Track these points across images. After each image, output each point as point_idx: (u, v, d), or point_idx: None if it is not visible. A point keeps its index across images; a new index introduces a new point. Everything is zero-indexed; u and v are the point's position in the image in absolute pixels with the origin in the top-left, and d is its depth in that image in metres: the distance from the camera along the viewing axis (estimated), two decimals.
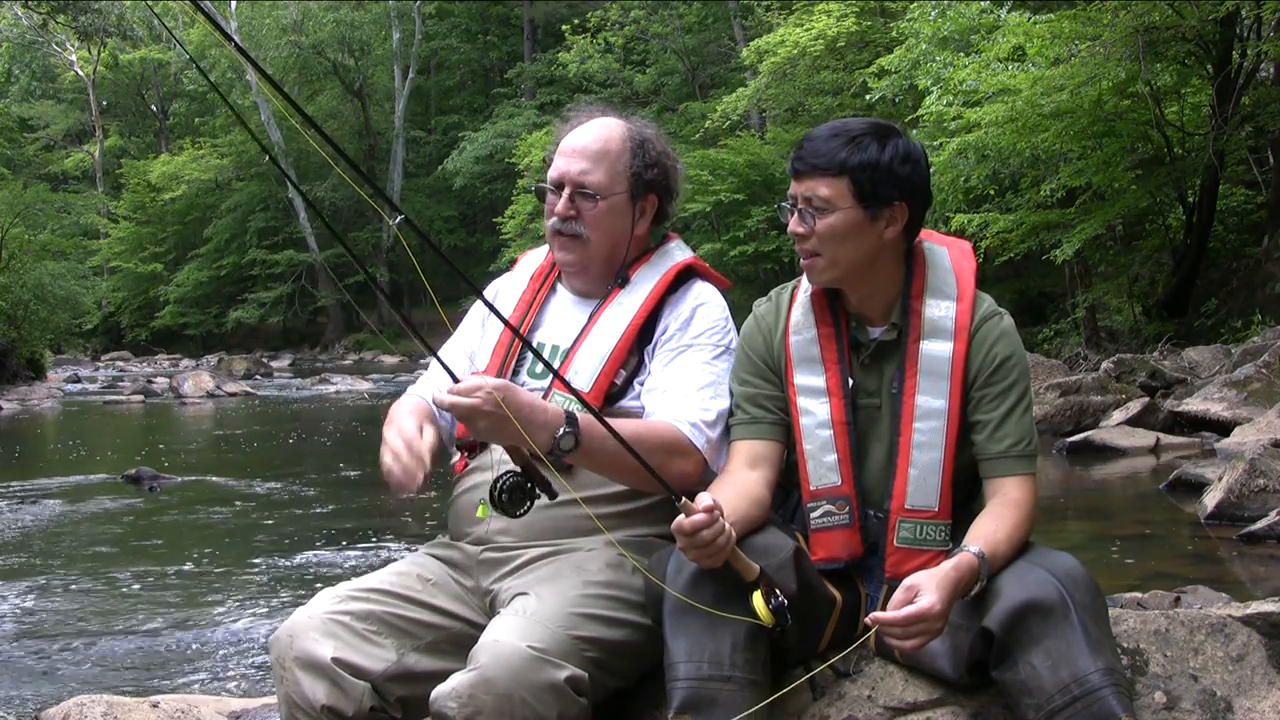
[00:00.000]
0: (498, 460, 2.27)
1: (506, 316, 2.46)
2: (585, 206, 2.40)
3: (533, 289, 2.53)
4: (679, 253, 2.52)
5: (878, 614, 1.93)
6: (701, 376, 2.33)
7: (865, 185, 2.15)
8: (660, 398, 2.31)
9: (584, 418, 2.15)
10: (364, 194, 1.99)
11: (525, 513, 2.18)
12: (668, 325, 2.39)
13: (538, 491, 2.16)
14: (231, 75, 37.61)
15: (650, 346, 2.38)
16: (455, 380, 2.16)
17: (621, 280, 2.45)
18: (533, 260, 2.61)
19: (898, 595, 1.94)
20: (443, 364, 2.29)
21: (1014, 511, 2.10)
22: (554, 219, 2.42)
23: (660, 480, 1.97)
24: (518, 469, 2.16)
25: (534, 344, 2.43)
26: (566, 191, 2.41)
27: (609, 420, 2.06)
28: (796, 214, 2.20)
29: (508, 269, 2.70)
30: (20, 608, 5.42)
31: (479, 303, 2.33)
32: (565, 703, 2.00)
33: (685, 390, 2.30)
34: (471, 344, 2.55)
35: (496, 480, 2.16)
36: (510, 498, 2.15)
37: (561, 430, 2.12)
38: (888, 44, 17.24)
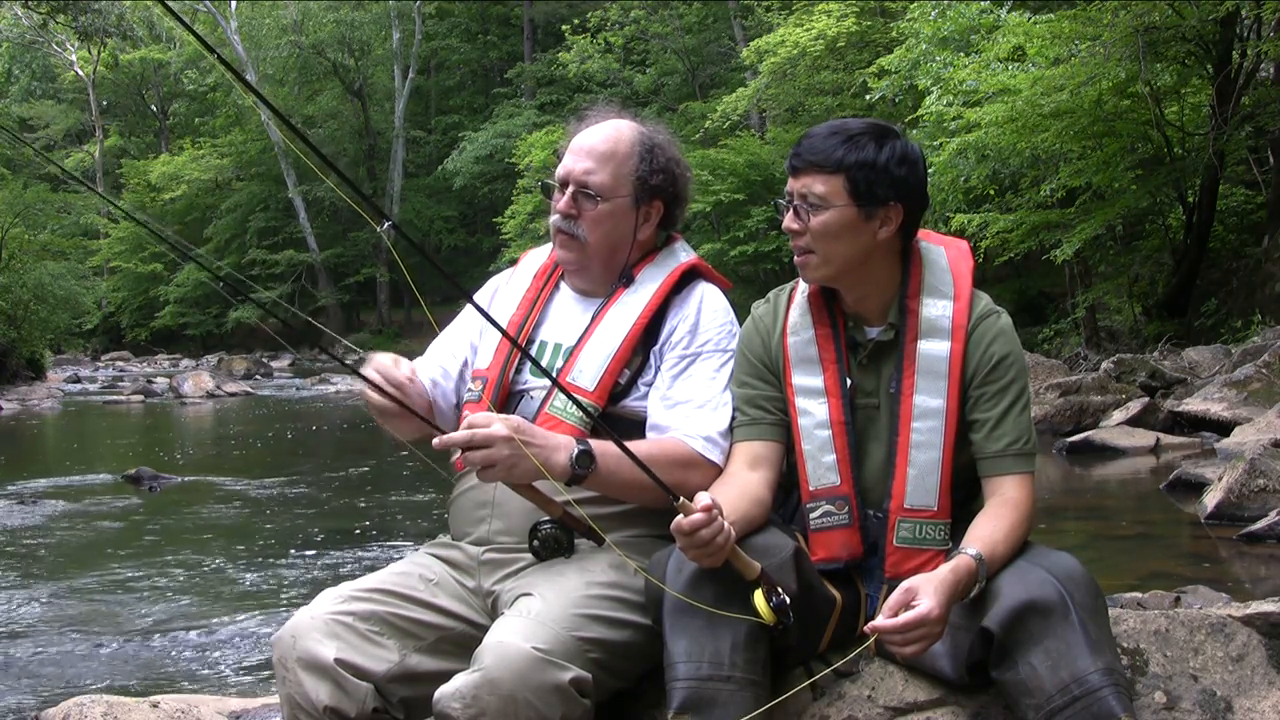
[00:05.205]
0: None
1: (509, 314, 2.48)
2: (586, 207, 2.40)
3: (536, 287, 2.53)
4: (683, 254, 2.52)
5: (876, 623, 1.93)
6: (712, 387, 2.33)
7: (861, 184, 2.16)
8: (672, 412, 2.31)
9: (596, 443, 2.17)
10: (352, 201, 1.97)
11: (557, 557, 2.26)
12: (675, 327, 2.39)
13: (575, 540, 2.22)
14: (231, 76, 37.56)
15: (657, 348, 2.38)
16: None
17: (626, 280, 2.45)
18: (536, 259, 2.60)
19: (895, 596, 1.94)
20: (377, 387, 2.38)
21: (1012, 511, 2.11)
22: (556, 216, 2.43)
23: (659, 481, 1.97)
24: (553, 520, 2.20)
25: (538, 342, 2.44)
26: (570, 190, 2.41)
27: (624, 443, 2.05)
28: (792, 210, 2.22)
29: (508, 268, 2.69)
30: (20, 608, 5.41)
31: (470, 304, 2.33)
32: (569, 704, 2.00)
33: (698, 402, 2.31)
34: (455, 346, 2.56)
35: (532, 530, 2.22)
36: (543, 546, 2.22)
37: (576, 450, 2.15)
38: (888, 44, 17.22)
